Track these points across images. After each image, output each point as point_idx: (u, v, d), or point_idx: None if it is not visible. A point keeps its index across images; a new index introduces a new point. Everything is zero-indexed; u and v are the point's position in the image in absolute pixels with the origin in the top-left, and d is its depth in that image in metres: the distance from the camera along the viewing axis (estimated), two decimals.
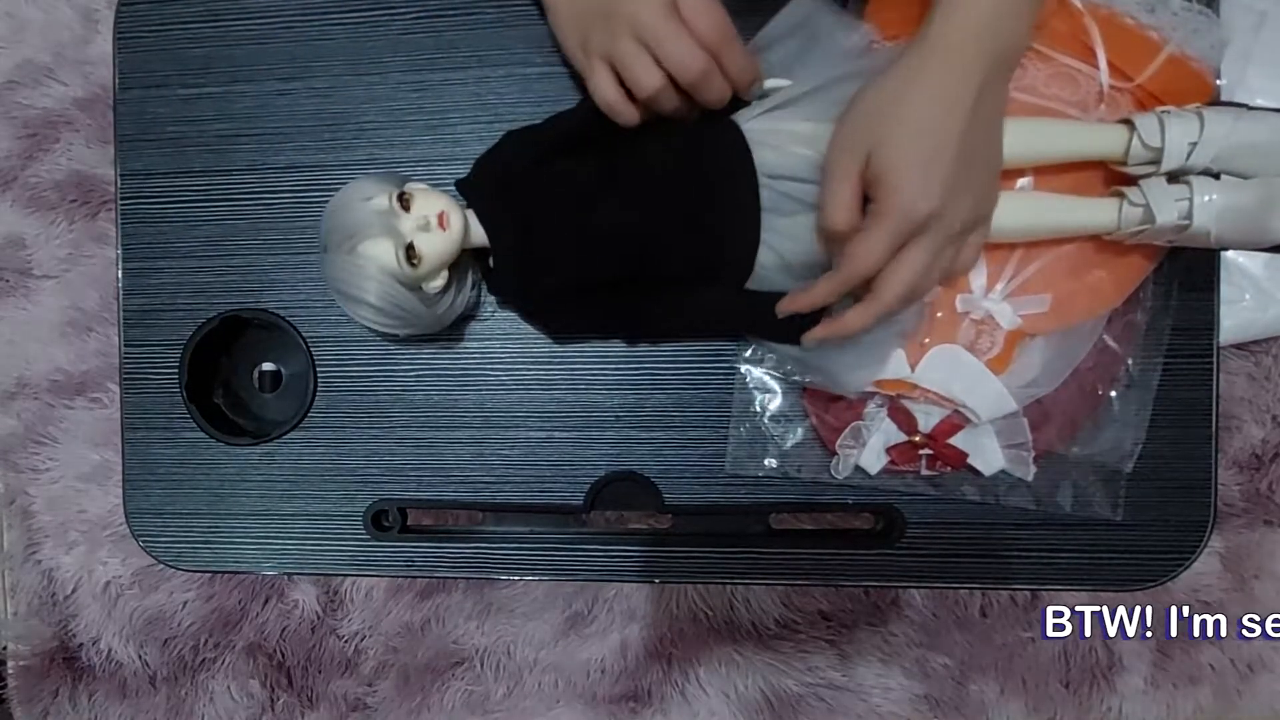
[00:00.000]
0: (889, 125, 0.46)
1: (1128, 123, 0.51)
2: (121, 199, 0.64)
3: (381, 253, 0.52)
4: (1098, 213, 0.52)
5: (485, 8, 0.61)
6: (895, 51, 0.51)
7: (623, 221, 0.54)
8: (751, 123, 0.53)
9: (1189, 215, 0.49)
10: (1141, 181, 0.51)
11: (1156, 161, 0.50)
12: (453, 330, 0.60)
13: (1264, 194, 0.48)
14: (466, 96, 0.61)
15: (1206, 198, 0.49)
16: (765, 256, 0.53)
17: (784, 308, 0.52)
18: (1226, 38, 0.55)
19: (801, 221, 0.52)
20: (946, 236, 0.47)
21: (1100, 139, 0.52)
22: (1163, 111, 0.50)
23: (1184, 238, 0.50)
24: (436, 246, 0.53)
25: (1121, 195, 0.52)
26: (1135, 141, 0.50)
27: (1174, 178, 0.50)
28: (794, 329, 0.55)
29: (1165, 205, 0.49)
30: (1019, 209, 0.53)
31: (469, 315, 0.61)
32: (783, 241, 0.53)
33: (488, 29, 0.61)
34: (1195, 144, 0.49)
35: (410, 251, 0.52)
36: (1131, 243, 0.53)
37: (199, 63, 0.63)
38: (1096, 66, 0.53)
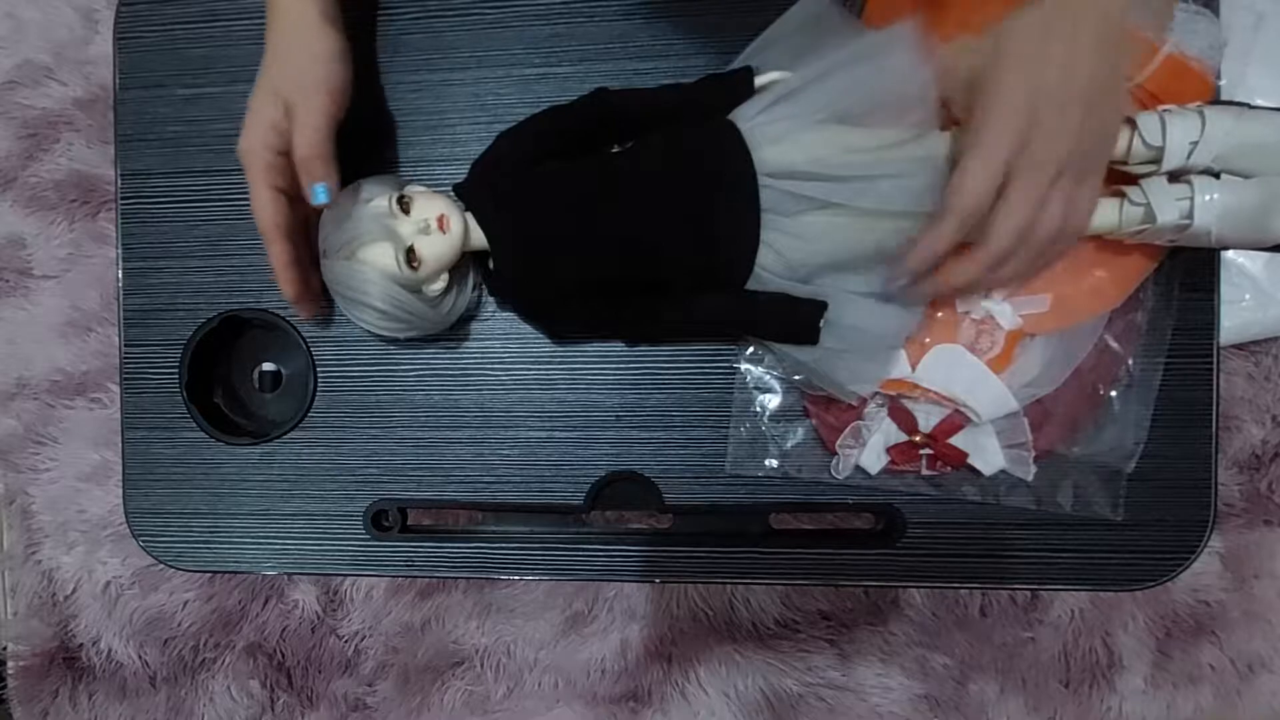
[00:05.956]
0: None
1: (1129, 121, 0.50)
2: (121, 199, 0.64)
3: (381, 256, 0.52)
4: (1099, 212, 0.52)
5: (485, 8, 0.61)
6: (894, 33, 0.51)
7: (621, 223, 0.54)
8: (751, 121, 0.53)
9: (1190, 215, 0.49)
10: (1142, 181, 0.51)
11: (1157, 161, 0.50)
12: (453, 330, 0.60)
13: (1265, 193, 0.48)
14: (465, 97, 0.61)
15: (1207, 197, 0.48)
16: (766, 257, 0.53)
17: (911, 265, 0.50)
18: (1225, 38, 0.55)
19: (804, 220, 0.52)
20: (1046, 177, 0.46)
21: None
22: (1164, 110, 0.50)
23: (1185, 237, 0.50)
24: (437, 249, 0.53)
25: (1122, 194, 0.51)
26: (1136, 140, 0.50)
27: (1175, 177, 0.50)
28: (794, 331, 0.55)
29: (1166, 204, 0.49)
30: None
31: (469, 315, 0.61)
32: (785, 241, 0.52)
33: (487, 29, 0.61)
34: (1196, 143, 0.49)
35: (410, 255, 0.52)
36: (1132, 242, 0.53)
37: (199, 63, 0.63)
38: None
